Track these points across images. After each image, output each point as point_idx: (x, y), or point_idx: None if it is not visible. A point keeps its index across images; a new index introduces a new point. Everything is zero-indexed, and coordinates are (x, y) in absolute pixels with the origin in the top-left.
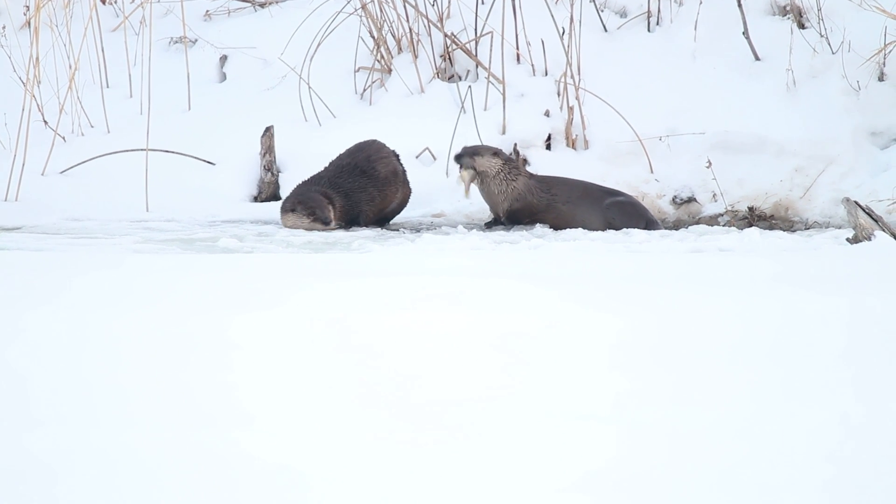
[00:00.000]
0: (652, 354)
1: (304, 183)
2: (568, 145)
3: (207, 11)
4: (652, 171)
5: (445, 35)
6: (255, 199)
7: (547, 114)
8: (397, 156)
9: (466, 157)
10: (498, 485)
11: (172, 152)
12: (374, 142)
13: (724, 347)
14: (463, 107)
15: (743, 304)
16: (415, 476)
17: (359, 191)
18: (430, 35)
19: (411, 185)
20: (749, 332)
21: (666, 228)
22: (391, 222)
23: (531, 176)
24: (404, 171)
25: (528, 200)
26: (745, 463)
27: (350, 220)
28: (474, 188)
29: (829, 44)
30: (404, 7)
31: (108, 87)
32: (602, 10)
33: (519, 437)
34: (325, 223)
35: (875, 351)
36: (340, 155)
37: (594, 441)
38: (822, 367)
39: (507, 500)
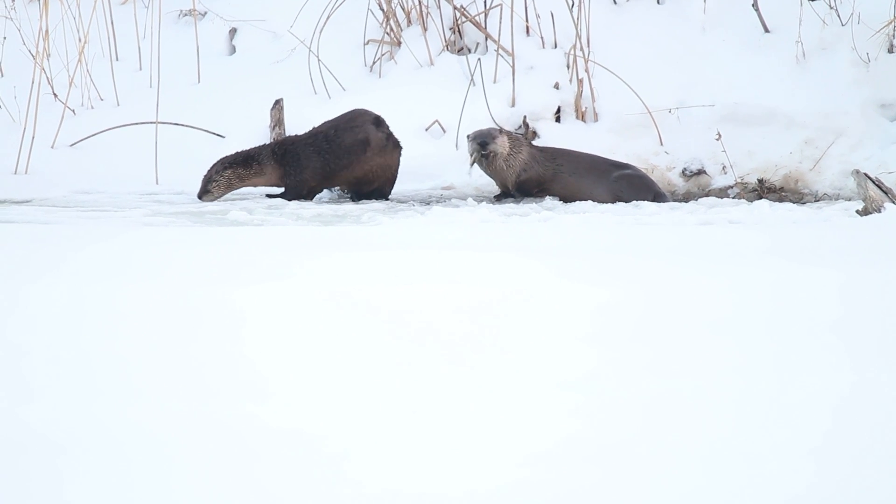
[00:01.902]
0: (636, 325)
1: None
2: (577, 118)
3: None
4: (661, 144)
5: (455, 7)
6: None
7: (556, 86)
8: (378, 123)
9: (490, 144)
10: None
11: (182, 125)
12: (355, 111)
13: (712, 319)
14: (472, 79)
15: (735, 276)
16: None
17: (309, 157)
18: (439, 7)
19: (417, 159)
20: (739, 304)
21: (675, 201)
22: (390, 197)
23: (534, 146)
24: (389, 141)
25: (535, 170)
26: (728, 434)
27: (292, 187)
28: (476, 166)
29: (838, 16)
30: None
31: (117, 59)
32: None
33: (492, 405)
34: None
35: (867, 323)
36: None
37: (567, 409)
38: (811, 338)
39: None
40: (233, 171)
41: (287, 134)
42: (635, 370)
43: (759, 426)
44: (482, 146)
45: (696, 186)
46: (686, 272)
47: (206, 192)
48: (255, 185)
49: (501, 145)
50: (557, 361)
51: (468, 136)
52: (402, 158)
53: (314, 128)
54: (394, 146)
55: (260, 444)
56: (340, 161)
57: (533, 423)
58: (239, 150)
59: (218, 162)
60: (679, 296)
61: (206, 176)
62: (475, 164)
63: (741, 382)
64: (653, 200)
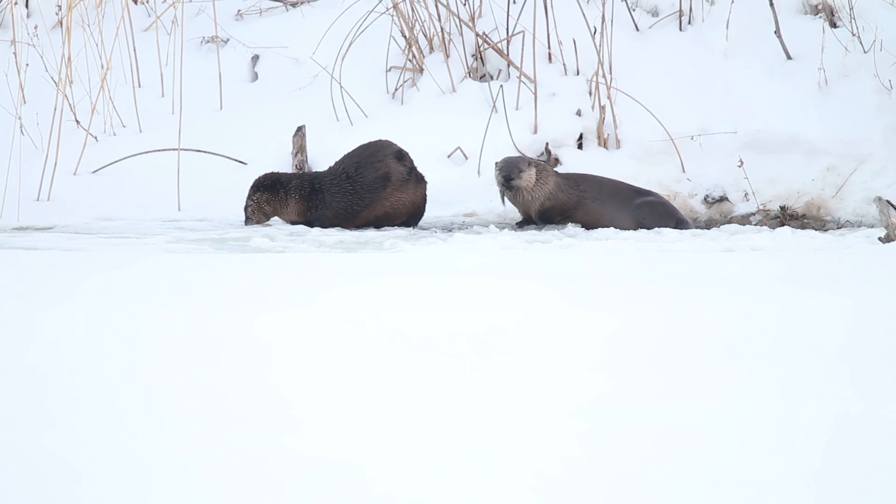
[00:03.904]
0: (647, 353)
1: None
2: (600, 144)
3: (239, 11)
4: (684, 171)
5: (477, 34)
6: None
7: (578, 113)
8: (401, 156)
9: (515, 178)
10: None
11: (204, 152)
12: (378, 143)
13: (723, 346)
14: (494, 106)
15: (747, 303)
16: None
17: (333, 196)
18: (461, 34)
19: (440, 186)
20: (750, 331)
21: (697, 228)
22: (417, 226)
23: (559, 174)
24: (411, 176)
25: (559, 198)
26: (733, 461)
27: (309, 222)
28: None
29: (860, 43)
30: (436, 6)
31: (139, 86)
32: (634, 9)
33: (505, 431)
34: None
35: (876, 351)
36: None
37: (575, 435)
38: (819, 366)
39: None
40: (261, 195)
41: (309, 161)
42: (644, 397)
43: (765, 454)
44: (507, 180)
45: (718, 213)
46: (699, 299)
47: (246, 217)
48: (279, 216)
49: (527, 180)
50: (567, 388)
51: (496, 164)
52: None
53: (337, 162)
54: (417, 181)
55: (288, 472)
56: (363, 200)
57: (543, 448)
58: (270, 172)
59: (252, 186)
60: (691, 323)
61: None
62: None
63: (748, 409)
64: (675, 227)
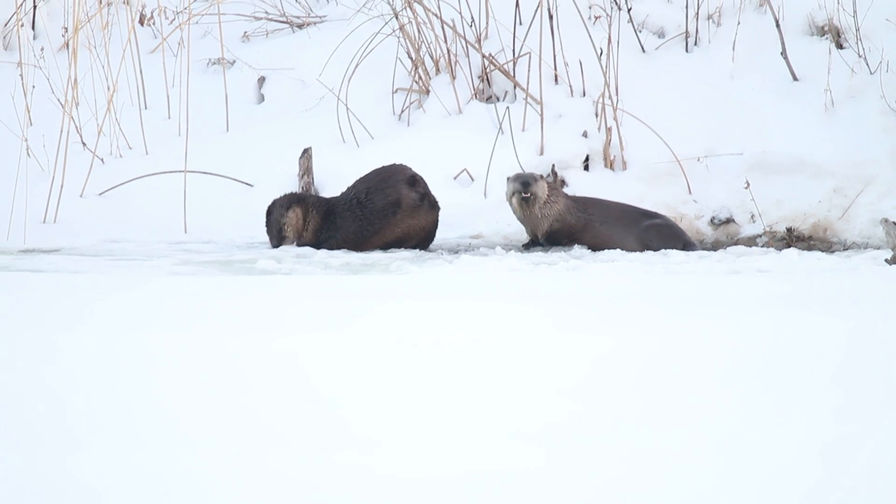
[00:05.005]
0: (636, 375)
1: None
2: (606, 166)
3: (245, 33)
4: (690, 192)
5: (483, 56)
6: None
7: (585, 134)
8: (413, 182)
9: (532, 185)
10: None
11: (211, 174)
12: (391, 167)
13: (714, 368)
14: (501, 128)
15: (743, 325)
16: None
17: (345, 220)
18: (467, 56)
19: (446, 208)
20: (743, 353)
21: (704, 249)
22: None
23: (568, 196)
24: (423, 202)
25: (567, 221)
26: (709, 486)
27: (318, 244)
28: (509, 210)
29: (867, 64)
30: (442, 28)
31: (146, 108)
32: (640, 31)
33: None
34: (274, 243)
35: (871, 373)
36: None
37: (527, 461)
38: (813, 388)
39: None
40: (294, 213)
41: (315, 183)
42: (619, 421)
43: (747, 479)
44: (524, 186)
45: (724, 235)
46: (695, 321)
47: (282, 237)
48: (299, 233)
49: (542, 189)
50: (537, 411)
51: (508, 178)
52: None
53: (350, 187)
54: (429, 207)
55: (370, 495)
56: (372, 226)
57: (495, 470)
58: (291, 192)
59: (279, 205)
60: (684, 345)
61: (271, 222)
62: (511, 205)
63: (733, 432)
64: (682, 249)
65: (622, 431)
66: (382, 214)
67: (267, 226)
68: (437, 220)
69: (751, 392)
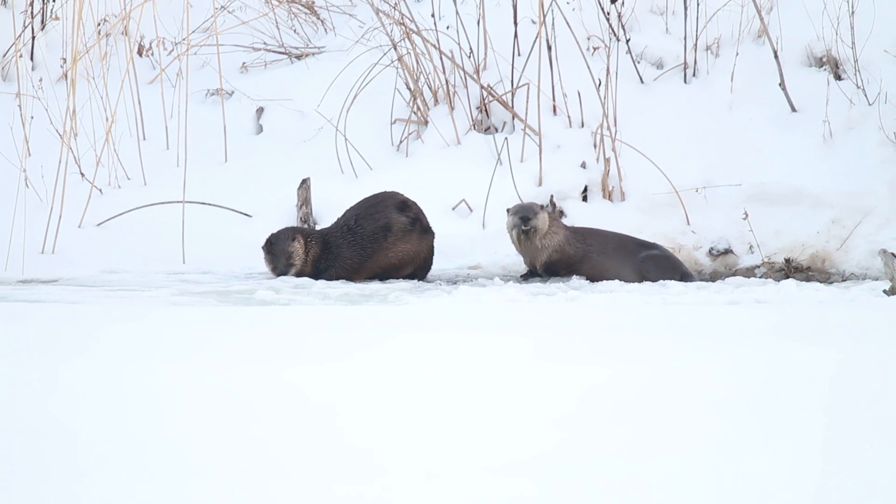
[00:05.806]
0: (624, 406)
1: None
2: (604, 197)
3: (244, 63)
4: (688, 223)
5: (482, 87)
6: None
7: (583, 165)
8: (404, 207)
9: (532, 219)
10: None
11: (209, 204)
12: (381, 194)
13: (703, 400)
14: (499, 158)
15: (734, 356)
16: None
17: (340, 248)
18: (466, 87)
19: (444, 238)
20: (732, 385)
21: (702, 280)
22: (424, 279)
23: (567, 227)
24: (415, 227)
25: (566, 251)
26: None
27: (316, 274)
28: (508, 241)
29: (865, 95)
30: (441, 59)
31: (144, 139)
32: (638, 62)
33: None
34: (281, 269)
35: (860, 405)
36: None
37: (531, 491)
38: (801, 420)
39: None
40: (299, 243)
41: (313, 213)
42: (609, 451)
43: None
44: (524, 221)
45: (722, 266)
46: (687, 351)
47: (288, 265)
48: (302, 261)
49: (542, 221)
50: (522, 443)
51: (508, 210)
52: None
53: (341, 216)
54: (421, 231)
55: None
56: (364, 252)
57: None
58: (290, 226)
59: (283, 237)
60: (676, 376)
61: (278, 252)
62: (510, 237)
63: (719, 464)
64: (679, 280)
65: (612, 461)
66: (373, 239)
67: (271, 255)
68: (431, 247)
69: (740, 423)
